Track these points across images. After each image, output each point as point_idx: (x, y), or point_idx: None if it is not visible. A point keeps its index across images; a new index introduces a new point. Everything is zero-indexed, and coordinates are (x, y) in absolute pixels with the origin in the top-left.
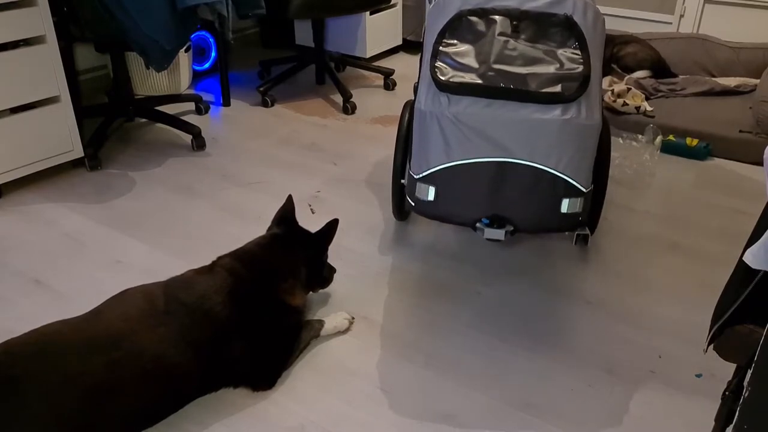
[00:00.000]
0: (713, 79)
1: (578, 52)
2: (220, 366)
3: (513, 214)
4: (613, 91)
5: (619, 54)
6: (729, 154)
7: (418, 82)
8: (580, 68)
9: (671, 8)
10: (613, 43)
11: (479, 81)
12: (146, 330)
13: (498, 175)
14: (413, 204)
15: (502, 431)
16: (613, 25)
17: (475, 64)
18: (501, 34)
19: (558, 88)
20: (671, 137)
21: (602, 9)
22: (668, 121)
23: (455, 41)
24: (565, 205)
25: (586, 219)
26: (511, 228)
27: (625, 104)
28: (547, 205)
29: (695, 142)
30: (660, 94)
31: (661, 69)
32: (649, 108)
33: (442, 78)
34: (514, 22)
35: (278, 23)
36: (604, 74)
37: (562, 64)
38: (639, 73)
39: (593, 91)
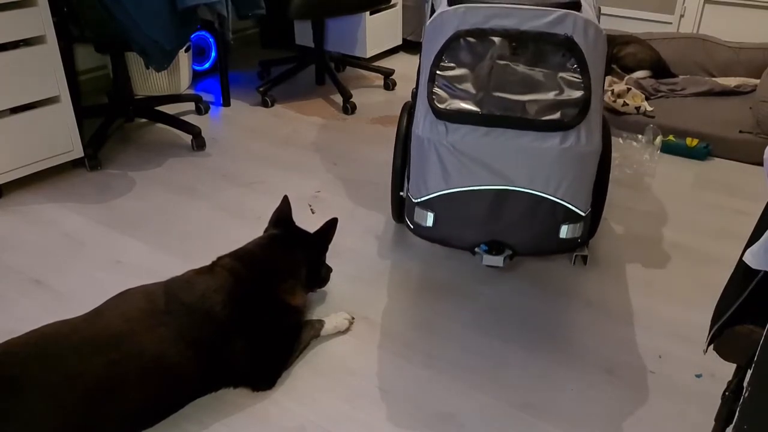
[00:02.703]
0: (713, 79)
1: (578, 75)
2: (220, 366)
3: (512, 239)
4: (613, 91)
5: (619, 54)
6: (729, 154)
7: (416, 88)
8: (580, 93)
9: (671, 8)
10: (613, 43)
11: (477, 109)
12: (146, 330)
13: (497, 202)
14: (412, 227)
15: (501, 431)
16: (613, 25)
17: (472, 90)
18: (499, 57)
19: (557, 115)
20: (671, 137)
21: (602, 9)
22: (668, 121)
23: (453, 64)
24: (564, 231)
25: (585, 240)
26: (510, 253)
27: (625, 104)
28: (546, 231)
29: (695, 142)
30: (660, 94)
31: (661, 69)
32: (649, 108)
33: (440, 106)
34: (513, 44)
35: (278, 23)
36: (604, 74)
37: (561, 90)
38: (639, 73)
39: (593, 115)
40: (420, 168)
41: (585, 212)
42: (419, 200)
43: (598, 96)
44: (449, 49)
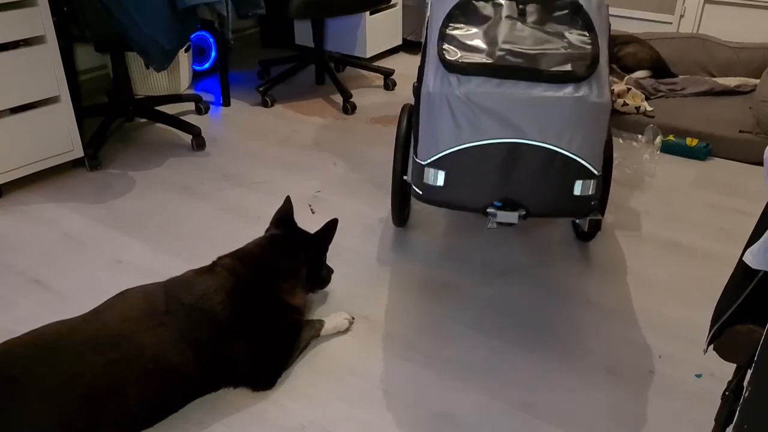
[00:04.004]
0: (713, 79)
1: (586, 33)
2: (220, 366)
3: (525, 197)
4: (613, 91)
5: (619, 54)
6: (729, 154)
7: (417, 82)
8: (589, 48)
9: (671, 8)
10: (613, 43)
11: (489, 60)
12: (146, 330)
13: (509, 158)
14: (420, 192)
15: (501, 431)
16: (613, 25)
17: (483, 45)
18: (508, 17)
19: (569, 67)
20: (671, 137)
21: None
22: (668, 121)
23: (462, 25)
24: (578, 187)
25: (598, 204)
26: (524, 212)
27: (625, 104)
28: (559, 187)
29: (695, 142)
30: (660, 94)
31: (661, 69)
32: (649, 108)
33: (451, 59)
34: (521, 6)
35: (278, 23)
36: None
37: (571, 44)
38: (639, 73)
39: (602, 70)
40: (430, 127)
41: (598, 171)
42: (429, 160)
43: (605, 56)
44: (458, 11)
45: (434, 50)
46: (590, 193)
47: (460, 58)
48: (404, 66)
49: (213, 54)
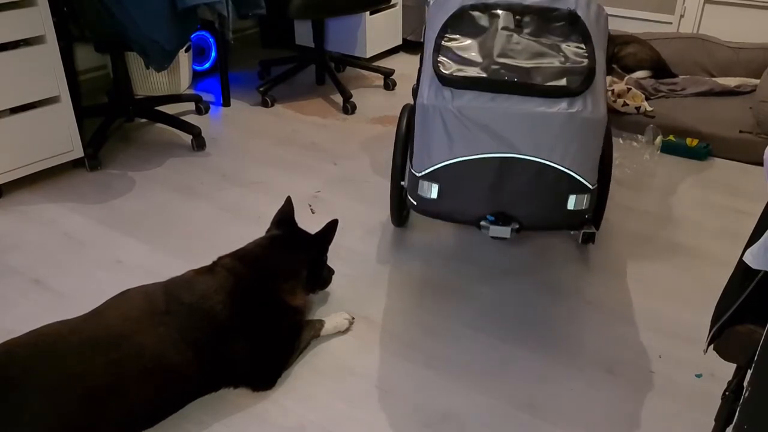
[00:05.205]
0: (713, 79)
1: (582, 46)
2: (220, 366)
3: (518, 211)
4: (613, 91)
5: (619, 54)
6: (729, 154)
7: (417, 85)
8: (585, 62)
9: (671, 8)
10: (613, 43)
11: (483, 74)
12: (146, 330)
13: (502, 171)
14: (415, 203)
15: (501, 431)
16: (613, 25)
17: (478, 58)
18: (504, 28)
19: (563, 82)
20: (671, 137)
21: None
22: (668, 121)
23: (457, 36)
24: (571, 202)
25: (592, 216)
26: (517, 226)
27: (625, 104)
28: (552, 202)
29: (695, 142)
30: (660, 94)
31: (661, 69)
32: (649, 108)
33: (446, 72)
34: (517, 17)
35: (278, 23)
36: (605, 53)
37: (567, 58)
38: (639, 73)
39: (598, 84)
40: (424, 139)
41: (592, 185)
42: (423, 173)
43: (602, 69)
44: (454, 22)
45: (429, 62)
46: (584, 207)
47: (454, 72)
48: (404, 66)
49: (213, 54)
